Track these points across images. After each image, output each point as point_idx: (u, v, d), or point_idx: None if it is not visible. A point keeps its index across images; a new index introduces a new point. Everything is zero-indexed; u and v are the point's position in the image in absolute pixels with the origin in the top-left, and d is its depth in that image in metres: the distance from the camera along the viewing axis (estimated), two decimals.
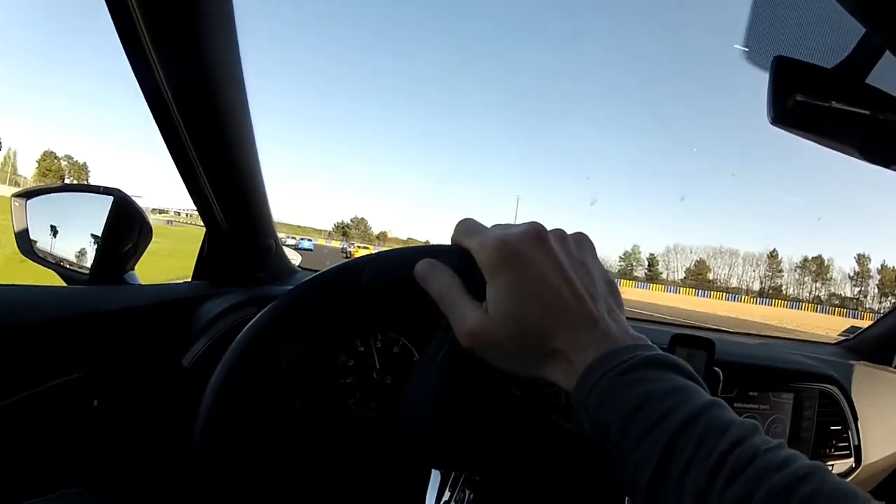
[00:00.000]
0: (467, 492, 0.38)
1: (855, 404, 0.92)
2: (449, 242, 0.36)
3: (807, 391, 0.86)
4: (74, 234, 0.80)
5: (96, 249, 0.75)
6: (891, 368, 1.07)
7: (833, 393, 0.89)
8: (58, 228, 0.82)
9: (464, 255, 0.33)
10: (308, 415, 0.62)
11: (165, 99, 0.57)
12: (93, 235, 0.77)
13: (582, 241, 0.35)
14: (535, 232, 0.32)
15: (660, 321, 1.01)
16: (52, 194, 0.85)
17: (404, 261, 0.35)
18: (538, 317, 0.31)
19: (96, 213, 0.76)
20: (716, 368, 0.68)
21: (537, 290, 0.31)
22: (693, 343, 0.65)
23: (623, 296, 0.36)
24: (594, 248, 0.36)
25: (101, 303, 0.71)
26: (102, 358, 0.71)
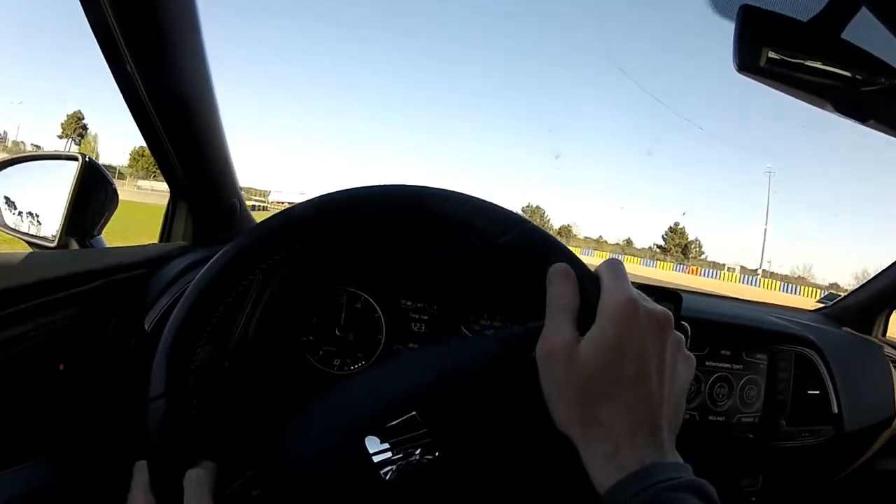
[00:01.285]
0: (418, 452, 0.37)
1: (834, 371, 0.91)
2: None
3: (782, 353, 0.85)
4: (41, 201, 0.80)
5: (63, 215, 0.74)
6: (871, 337, 1.06)
7: (811, 356, 0.89)
8: (26, 197, 0.82)
9: (595, 288, 0.34)
10: (267, 372, 0.62)
11: (123, 57, 0.57)
12: (60, 201, 0.76)
13: (690, 360, 0.36)
14: (663, 319, 0.33)
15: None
16: (19, 164, 0.85)
17: (552, 250, 0.35)
18: (615, 381, 0.31)
19: (63, 180, 0.76)
20: (683, 322, 0.67)
21: (632, 363, 0.31)
22: (659, 295, 0.65)
23: None
24: (693, 373, 0.36)
25: (65, 266, 0.71)
26: (67, 321, 0.71)
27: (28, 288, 0.68)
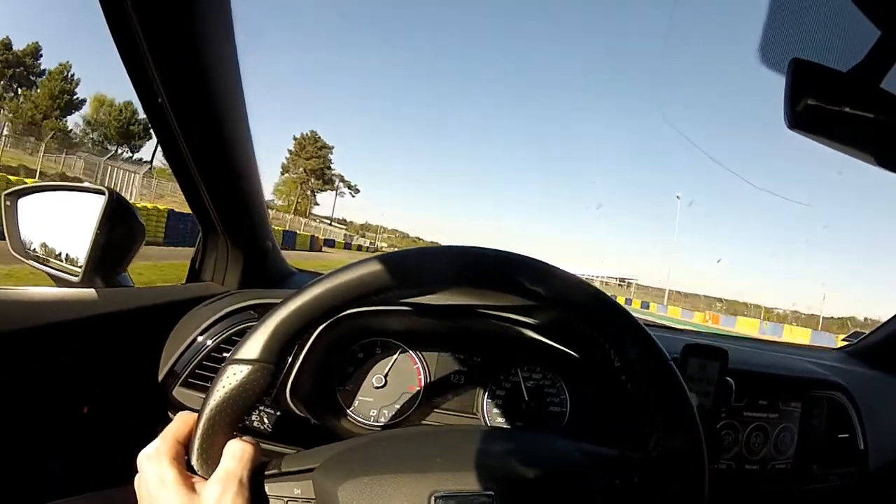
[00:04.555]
0: None
1: (862, 411, 0.91)
2: None
3: (815, 399, 0.84)
4: (66, 235, 0.77)
5: (88, 250, 0.72)
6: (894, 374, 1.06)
7: (841, 400, 0.88)
8: (49, 229, 0.80)
9: None
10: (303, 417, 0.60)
11: (161, 102, 0.55)
12: (85, 236, 0.74)
13: None
14: None
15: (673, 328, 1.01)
16: (45, 193, 0.82)
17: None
18: None
19: (89, 213, 0.74)
20: (728, 378, 0.66)
21: None
22: (706, 353, 0.64)
23: None
24: None
25: (93, 306, 0.69)
26: (94, 363, 0.69)
27: (56, 327, 0.66)
